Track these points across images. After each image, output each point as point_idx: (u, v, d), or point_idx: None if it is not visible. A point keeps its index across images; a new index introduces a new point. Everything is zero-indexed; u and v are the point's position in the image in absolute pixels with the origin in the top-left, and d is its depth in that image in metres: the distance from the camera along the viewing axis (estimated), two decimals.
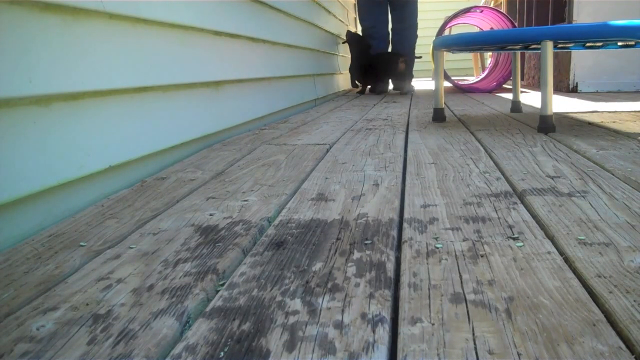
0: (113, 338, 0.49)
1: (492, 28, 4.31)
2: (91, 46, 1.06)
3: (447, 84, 4.33)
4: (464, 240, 0.71)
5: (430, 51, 4.32)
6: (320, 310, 0.53)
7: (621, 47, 1.91)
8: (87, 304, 0.56)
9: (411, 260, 0.65)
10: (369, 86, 4.29)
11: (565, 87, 3.76)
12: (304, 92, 2.99)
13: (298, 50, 2.91)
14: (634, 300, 0.52)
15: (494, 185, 1.02)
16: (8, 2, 0.85)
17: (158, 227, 0.82)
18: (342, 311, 0.52)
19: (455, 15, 4.01)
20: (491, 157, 1.30)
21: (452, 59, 8.01)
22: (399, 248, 0.70)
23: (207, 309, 0.54)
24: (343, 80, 4.59)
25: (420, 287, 0.57)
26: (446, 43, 2.03)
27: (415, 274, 0.61)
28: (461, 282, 0.58)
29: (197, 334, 0.49)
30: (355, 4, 5.28)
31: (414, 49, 4.31)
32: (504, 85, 4.77)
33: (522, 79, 4.86)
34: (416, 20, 4.28)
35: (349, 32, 4.19)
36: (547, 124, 1.70)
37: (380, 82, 4.22)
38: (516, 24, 4.20)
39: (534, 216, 0.81)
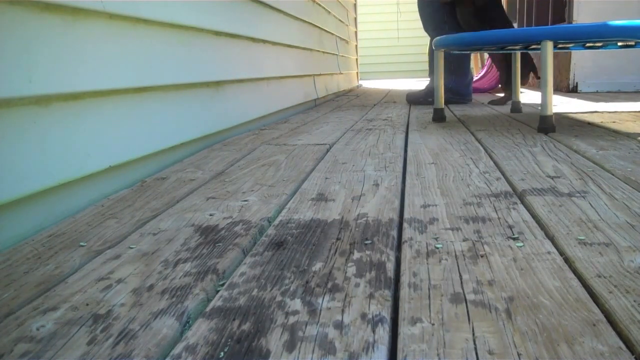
0: (113, 338, 0.49)
1: None
2: (91, 46, 1.06)
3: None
4: (464, 241, 0.71)
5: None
6: (320, 310, 0.53)
7: (621, 47, 1.91)
8: (87, 304, 0.56)
9: (411, 260, 0.65)
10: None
11: (565, 87, 3.76)
12: (304, 92, 2.99)
13: (298, 50, 2.91)
14: (634, 300, 0.52)
15: (494, 185, 1.02)
16: (8, 2, 0.85)
17: (158, 227, 0.82)
18: (342, 311, 0.52)
19: None
20: (491, 157, 1.30)
21: None
22: (399, 248, 0.70)
23: (207, 309, 0.54)
24: (343, 80, 4.58)
25: (420, 287, 0.57)
26: (446, 43, 2.03)
27: (415, 274, 0.61)
28: (461, 282, 0.58)
29: (197, 334, 0.49)
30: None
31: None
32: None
33: None
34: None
35: None
36: (547, 124, 1.70)
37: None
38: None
39: (534, 216, 0.81)
